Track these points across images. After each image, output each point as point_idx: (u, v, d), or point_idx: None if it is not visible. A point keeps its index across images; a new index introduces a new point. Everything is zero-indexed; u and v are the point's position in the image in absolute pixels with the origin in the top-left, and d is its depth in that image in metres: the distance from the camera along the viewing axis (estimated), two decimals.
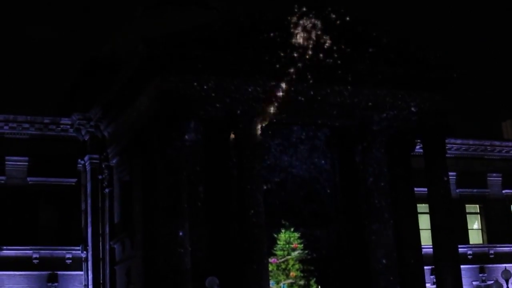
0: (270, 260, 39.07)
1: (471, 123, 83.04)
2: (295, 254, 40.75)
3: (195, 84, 36.86)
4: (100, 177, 43.91)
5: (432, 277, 45.50)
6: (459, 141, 52.38)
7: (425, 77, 41.08)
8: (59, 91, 64.89)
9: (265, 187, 39.32)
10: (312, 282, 40.97)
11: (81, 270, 43.36)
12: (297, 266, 40.69)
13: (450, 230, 40.41)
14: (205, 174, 39.04)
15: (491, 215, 53.35)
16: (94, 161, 44.09)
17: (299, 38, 38.70)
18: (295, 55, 38.36)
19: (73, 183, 44.22)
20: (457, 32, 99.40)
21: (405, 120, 40.90)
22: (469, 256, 51.11)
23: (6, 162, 43.16)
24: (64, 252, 43.35)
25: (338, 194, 42.28)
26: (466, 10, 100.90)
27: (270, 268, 38.56)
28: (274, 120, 39.10)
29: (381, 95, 40.19)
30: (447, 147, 43.77)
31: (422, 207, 45.16)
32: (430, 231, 41.58)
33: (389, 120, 40.40)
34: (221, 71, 37.28)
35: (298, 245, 41.03)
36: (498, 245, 52.64)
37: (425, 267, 43.27)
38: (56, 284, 42.66)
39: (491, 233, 53.13)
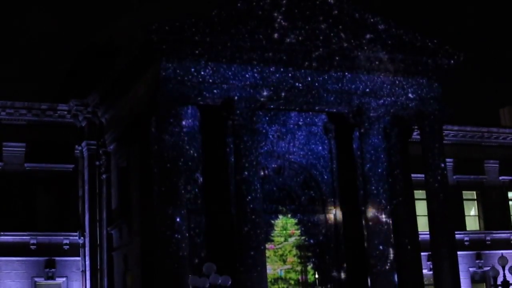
0: (267, 246, 39.16)
1: (468, 110, 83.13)
2: (292, 240, 40.87)
3: (193, 70, 36.88)
4: (97, 163, 43.88)
5: (429, 263, 45.63)
6: (456, 128, 52.40)
7: (423, 63, 41.06)
8: (56, 77, 64.80)
9: (262, 174, 39.43)
10: (309, 268, 41.13)
11: (79, 256, 43.43)
12: (294, 252, 40.81)
13: (447, 216, 40.49)
14: (203, 160, 39.10)
15: (488, 202, 53.44)
16: (92, 147, 44.04)
17: (297, 24, 38.71)
18: (293, 41, 38.40)
19: (71, 169, 44.21)
20: (455, 18, 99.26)
21: (403, 106, 40.88)
22: (466, 243, 51.19)
23: (4, 148, 43.11)
24: (62, 238, 43.40)
25: (335, 181, 42.32)
26: None
27: (267, 254, 38.66)
28: (272, 106, 39.14)
29: (379, 81, 40.21)
30: (444, 134, 43.78)
31: (419, 194, 45.22)
32: (427, 217, 41.60)
33: (387, 107, 40.41)
34: (218, 57, 37.27)
35: (295, 231, 41.16)
36: (494, 232, 52.76)
37: (422, 253, 43.34)
38: (53, 270, 42.72)
39: (488, 219, 53.24)
